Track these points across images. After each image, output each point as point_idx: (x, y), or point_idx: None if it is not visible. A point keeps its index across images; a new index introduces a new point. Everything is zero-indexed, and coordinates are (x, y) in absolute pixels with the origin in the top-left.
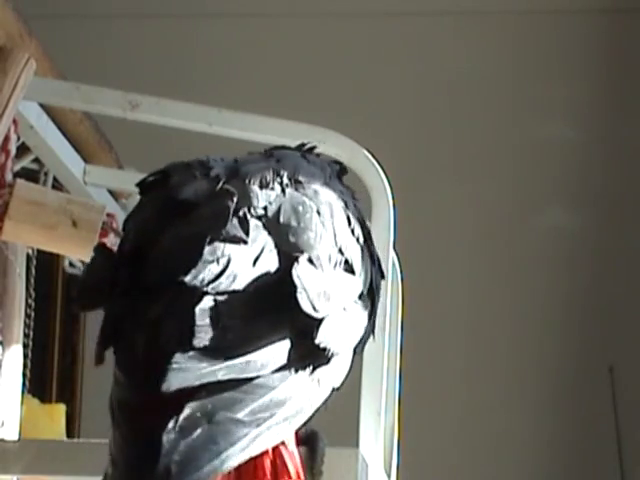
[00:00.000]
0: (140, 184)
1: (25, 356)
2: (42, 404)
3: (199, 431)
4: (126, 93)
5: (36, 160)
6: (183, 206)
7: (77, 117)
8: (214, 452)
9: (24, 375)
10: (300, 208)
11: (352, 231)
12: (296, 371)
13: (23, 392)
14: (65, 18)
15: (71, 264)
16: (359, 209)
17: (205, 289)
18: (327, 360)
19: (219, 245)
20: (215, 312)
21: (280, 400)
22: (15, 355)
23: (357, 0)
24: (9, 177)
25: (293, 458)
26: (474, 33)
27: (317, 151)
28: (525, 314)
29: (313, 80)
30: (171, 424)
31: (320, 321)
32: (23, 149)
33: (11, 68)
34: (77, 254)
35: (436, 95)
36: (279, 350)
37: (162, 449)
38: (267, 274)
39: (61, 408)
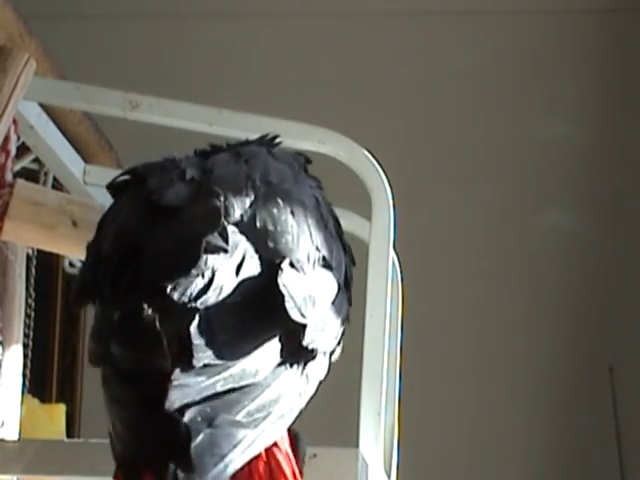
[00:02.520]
0: (110, 185)
1: (25, 356)
2: (42, 404)
3: (202, 436)
4: (126, 93)
5: (36, 160)
6: (167, 210)
7: (77, 117)
8: (219, 456)
9: (24, 375)
10: (275, 211)
11: (325, 225)
12: (287, 369)
13: (23, 392)
14: (65, 18)
15: (71, 264)
16: (326, 199)
17: (194, 305)
18: (314, 357)
19: (203, 257)
20: (209, 329)
21: (274, 399)
22: (15, 355)
23: (357, 0)
24: (9, 177)
25: (288, 458)
26: (474, 33)
27: (280, 142)
28: (525, 314)
29: (313, 80)
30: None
31: (306, 324)
32: (23, 149)
33: (11, 68)
34: (77, 254)
35: (436, 95)
36: (271, 354)
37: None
38: (251, 282)
39: (61, 408)
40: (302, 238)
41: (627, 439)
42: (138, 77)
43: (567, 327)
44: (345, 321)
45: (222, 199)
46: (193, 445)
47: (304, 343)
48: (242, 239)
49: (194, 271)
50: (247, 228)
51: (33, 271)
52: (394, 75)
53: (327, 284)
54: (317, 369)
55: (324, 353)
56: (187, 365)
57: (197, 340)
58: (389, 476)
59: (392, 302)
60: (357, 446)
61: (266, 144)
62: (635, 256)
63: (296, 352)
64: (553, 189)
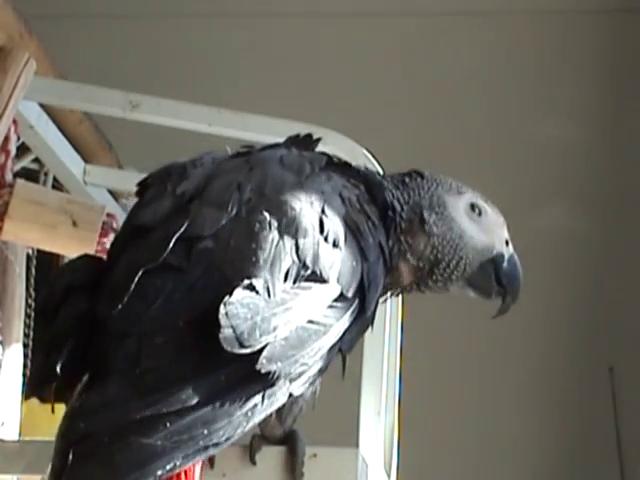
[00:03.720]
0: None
1: (25, 356)
2: (42, 404)
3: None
4: (126, 93)
5: (36, 160)
6: (140, 230)
7: (77, 117)
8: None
9: (24, 375)
10: (257, 226)
11: (326, 238)
12: (224, 399)
13: (23, 392)
14: (65, 18)
15: None
16: (359, 197)
17: (131, 329)
18: (272, 383)
19: (151, 277)
20: (135, 356)
21: (204, 422)
22: (15, 355)
23: (357, 0)
24: (9, 177)
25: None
26: (474, 33)
27: (314, 141)
28: (525, 314)
29: (313, 80)
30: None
31: (262, 348)
32: (23, 149)
33: (11, 68)
34: (77, 254)
35: (436, 95)
36: (207, 381)
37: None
38: (202, 303)
39: (61, 408)
40: (282, 254)
41: (627, 439)
42: (138, 77)
43: (567, 327)
44: (356, 330)
45: (190, 220)
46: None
47: (257, 367)
48: (207, 258)
49: (138, 292)
50: (220, 246)
51: (33, 271)
52: (394, 75)
53: (312, 299)
54: (279, 393)
55: (288, 377)
56: (98, 392)
57: (123, 364)
58: (389, 476)
59: (392, 302)
60: (357, 446)
61: (291, 145)
62: (635, 256)
63: (247, 377)
64: (552, 189)
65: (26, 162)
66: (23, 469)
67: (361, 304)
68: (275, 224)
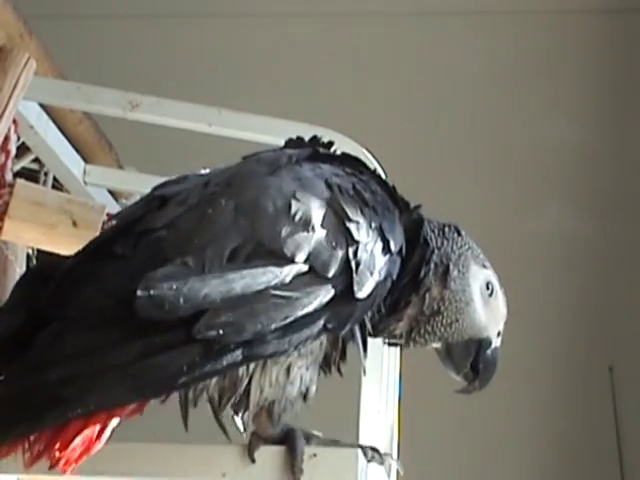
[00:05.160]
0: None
1: None
2: None
3: None
4: (126, 93)
5: (36, 160)
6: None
7: (77, 117)
8: None
9: None
10: (209, 211)
11: (293, 218)
12: (155, 357)
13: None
14: (65, 18)
15: None
16: (354, 184)
17: (59, 311)
18: (211, 348)
19: (93, 265)
20: (60, 333)
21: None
22: None
23: (357, 0)
24: (9, 177)
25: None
26: (475, 33)
27: (320, 147)
28: (525, 314)
29: (313, 80)
30: None
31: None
32: (23, 149)
33: (11, 68)
34: None
35: (436, 95)
36: (136, 345)
37: None
38: (135, 283)
39: None
40: (230, 234)
41: (627, 439)
42: (138, 77)
43: (567, 327)
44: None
45: (151, 215)
46: None
47: (193, 334)
48: (153, 246)
49: (63, 283)
50: (171, 233)
51: None
52: (395, 75)
53: (254, 275)
54: (218, 359)
55: (235, 343)
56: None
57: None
58: (389, 476)
59: None
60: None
61: (287, 147)
62: (635, 256)
63: (184, 342)
64: (553, 189)
65: (26, 162)
66: (23, 469)
67: (348, 284)
68: (231, 207)
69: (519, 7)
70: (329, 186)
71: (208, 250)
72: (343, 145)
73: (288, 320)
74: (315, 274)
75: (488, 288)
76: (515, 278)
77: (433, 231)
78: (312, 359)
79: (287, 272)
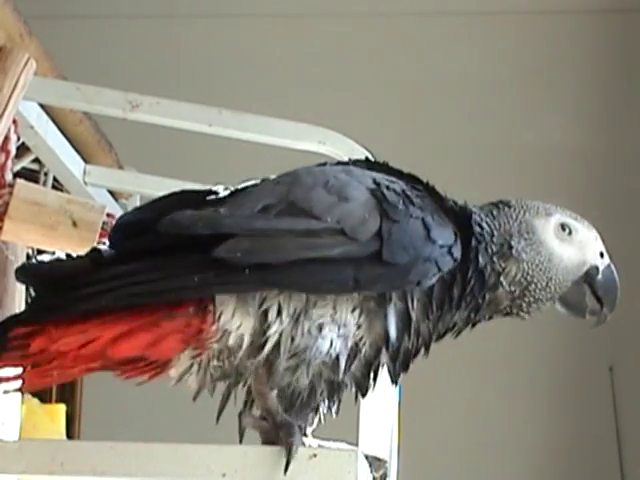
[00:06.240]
0: None
1: None
2: (42, 404)
3: None
4: (126, 93)
5: (36, 160)
6: None
7: (77, 117)
8: None
9: None
10: (259, 182)
11: (329, 190)
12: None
13: (23, 392)
14: (65, 18)
15: None
16: (402, 187)
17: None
18: (228, 266)
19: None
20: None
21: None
22: None
23: (358, 0)
24: (9, 177)
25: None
26: (474, 33)
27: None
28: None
29: (313, 80)
30: None
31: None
32: (23, 149)
33: (11, 68)
34: (77, 254)
35: (436, 95)
36: (155, 258)
37: None
38: None
39: (61, 408)
40: (267, 194)
41: (627, 439)
42: (138, 77)
43: (567, 327)
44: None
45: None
46: None
47: (214, 255)
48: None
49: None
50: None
51: None
52: (394, 75)
53: (280, 220)
54: (233, 275)
55: (251, 266)
56: None
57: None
58: (389, 476)
59: None
60: (357, 446)
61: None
62: (635, 257)
63: (202, 260)
64: (553, 189)
65: (26, 162)
66: (23, 469)
67: (378, 249)
68: (277, 180)
69: (519, 7)
70: (376, 183)
71: (240, 203)
72: (343, 145)
73: (309, 255)
74: (345, 235)
75: (564, 229)
76: None
77: (487, 216)
78: (344, 332)
79: (315, 225)
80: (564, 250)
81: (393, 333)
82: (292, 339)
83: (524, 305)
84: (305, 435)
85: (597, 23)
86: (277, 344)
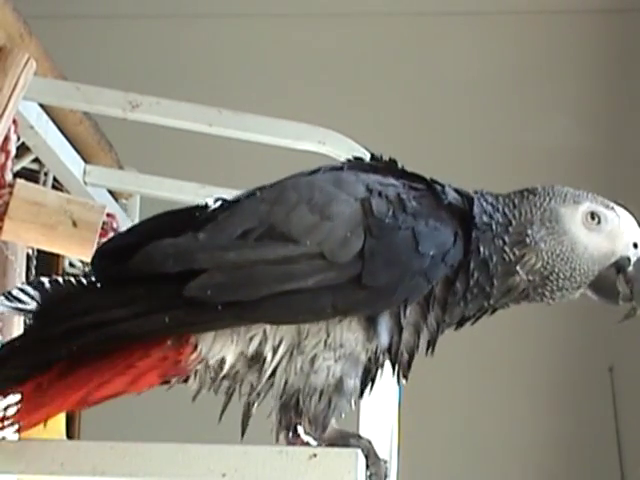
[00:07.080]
0: None
1: None
2: None
3: None
4: (126, 93)
5: (36, 160)
6: None
7: (77, 117)
8: None
9: None
10: (243, 199)
11: (311, 209)
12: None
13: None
14: (65, 18)
15: (71, 264)
16: (398, 193)
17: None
18: (198, 305)
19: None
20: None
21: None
22: None
23: (358, 0)
24: (9, 177)
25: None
26: (474, 33)
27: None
28: (525, 314)
29: (313, 80)
30: None
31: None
32: (23, 149)
33: (11, 68)
34: (77, 254)
35: (436, 95)
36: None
37: None
38: None
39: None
40: (247, 216)
41: (627, 439)
42: (138, 77)
43: (567, 327)
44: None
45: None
46: None
47: (184, 293)
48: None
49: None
50: (228, 209)
51: (33, 271)
52: (395, 75)
53: (259, 249)
54: (201, 313)
55: (224, 303)
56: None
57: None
58: (389, 476)
59: None
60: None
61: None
62: None
63: (173, 297)
64: None
65: (26, 162)
66: (23, 469)
67: (358, 272)
68: (263, 196)
69: (519, 7)
70: (369, 190)
71: (222, 228)
72: (343, 145)
73: (284, 288)
74: (324, 259)
75: (594, 218)
76: None
77: (507, 206)
78: (343, 352)
79: (293, 250)
80: (590, 240)
81: (385, 339)
82: (286, 381)
83: (547, 293)
84: (298, 435)
85: (597, 23)
86: (271, 385)
